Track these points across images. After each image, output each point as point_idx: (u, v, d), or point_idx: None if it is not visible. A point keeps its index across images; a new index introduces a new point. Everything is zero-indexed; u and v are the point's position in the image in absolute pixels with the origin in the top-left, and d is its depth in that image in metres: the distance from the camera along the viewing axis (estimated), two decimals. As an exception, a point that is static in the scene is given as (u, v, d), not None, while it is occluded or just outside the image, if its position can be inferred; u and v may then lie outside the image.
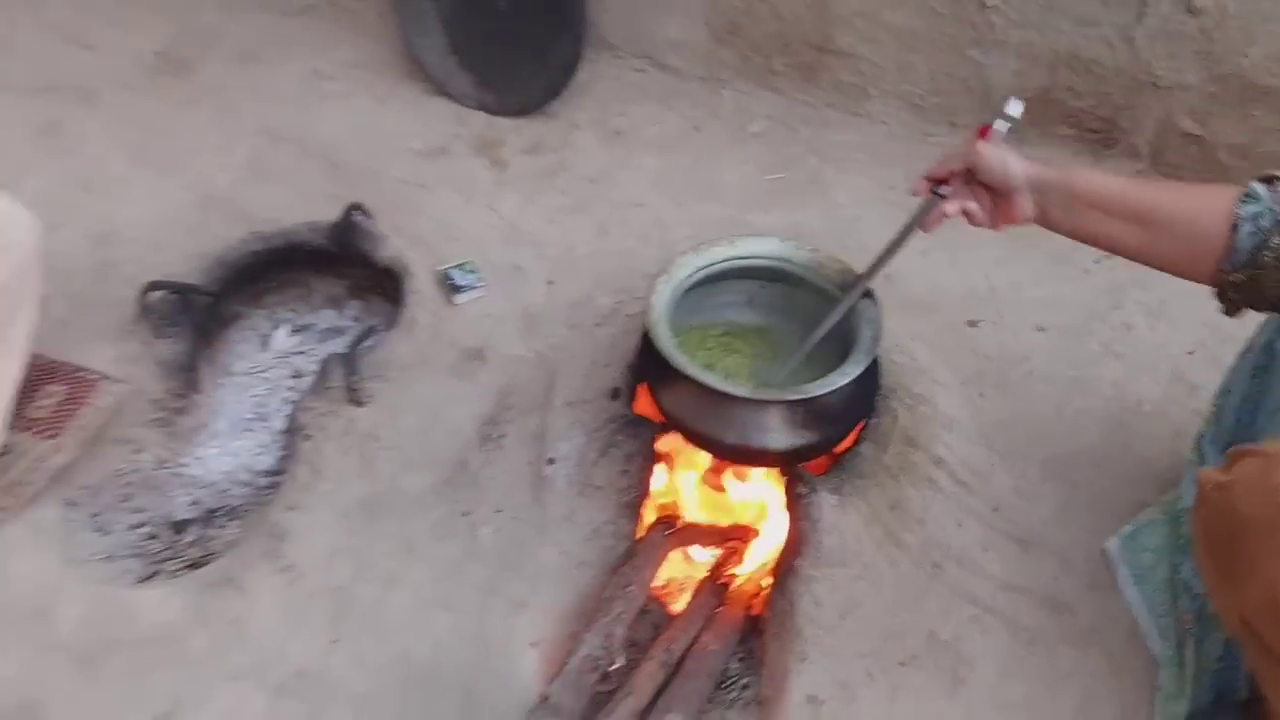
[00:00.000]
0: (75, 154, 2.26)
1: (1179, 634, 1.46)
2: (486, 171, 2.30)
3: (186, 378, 1.86)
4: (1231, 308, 1.28)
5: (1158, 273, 1.31)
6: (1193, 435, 1.56)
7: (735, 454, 1.56)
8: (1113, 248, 1.33)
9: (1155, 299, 1.97)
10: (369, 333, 1.91)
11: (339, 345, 2.00)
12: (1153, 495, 1.64)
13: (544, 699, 1.37)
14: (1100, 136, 2.24)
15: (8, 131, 2.28)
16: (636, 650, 1.51)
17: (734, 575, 1.63)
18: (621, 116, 2.45)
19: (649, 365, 1.58)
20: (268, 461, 1.82)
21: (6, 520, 1.58)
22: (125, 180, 2.20)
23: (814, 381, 1.45)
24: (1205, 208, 1.25)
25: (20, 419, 1.66)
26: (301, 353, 2.02)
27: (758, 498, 1.68)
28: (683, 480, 1.68)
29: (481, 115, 2.44)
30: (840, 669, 1.48)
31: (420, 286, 1.97)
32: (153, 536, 1.67)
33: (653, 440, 1.62)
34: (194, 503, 1.73)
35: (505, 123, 2.43)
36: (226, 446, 1.84)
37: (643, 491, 1.61)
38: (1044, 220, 1.34)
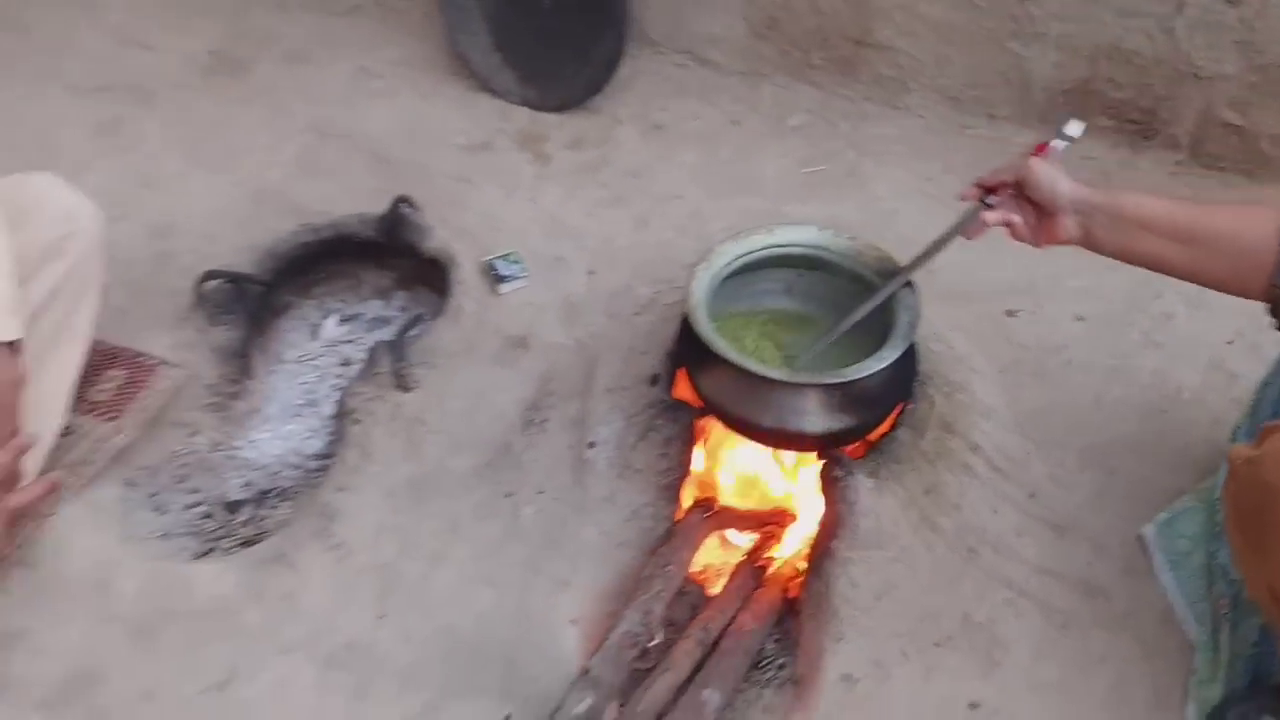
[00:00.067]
0: (134, 150, 2.33)
1: (1214, 619, 1.47)
2: (529, 166, 2.35)
3: (240, 364, 1.92)
4: None
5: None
6: (1231, 424, 1.57)
7: (772, 438, 1.58)
8: (1159, 267, 1.34)
9: (1195, 289, 1.93)
10: (416, 321, 1.95)
11: (386, 334, 2.04)
12: (1190, 483, 1.64)
13: (584, 672, 1.41)
14: (1140, 128, 2.23)
15: (70, 129, 2.36)
16: (674, 629, 1.54)
17: (771, 558, 1.66)
18: (662, 111, 2.49)
19: (687, 351, 1.61)
20: (317, 445, 1.87)
21: (68, 498, 1.62)
22: (182, 175, 2.27)
23: (851, 366, 1.47)
24: (1253, 224, 1.26)
25: (82, 402, 1.70)
26: (350, 341, 2.07)
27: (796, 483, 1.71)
28: (721, 464, 1.71)
29: (525, 111, 2.49)
30: (875, 649, 1.50)
31: (465, 277, 2.01)
32: (208, 516, 1.73)
33: (691, 424, 1.64)
34: (247, 484, 1.79)
35: (548, 118, 2.47)
36: (278, 431, 1.89)
37: (681, 474, 1.64)
38: (1089, 242, 1.36)
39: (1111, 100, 2.23)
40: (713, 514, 1.67)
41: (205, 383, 1.86)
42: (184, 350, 1.86)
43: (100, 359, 1.76)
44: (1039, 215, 1.38)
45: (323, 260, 2.11)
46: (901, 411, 1.66)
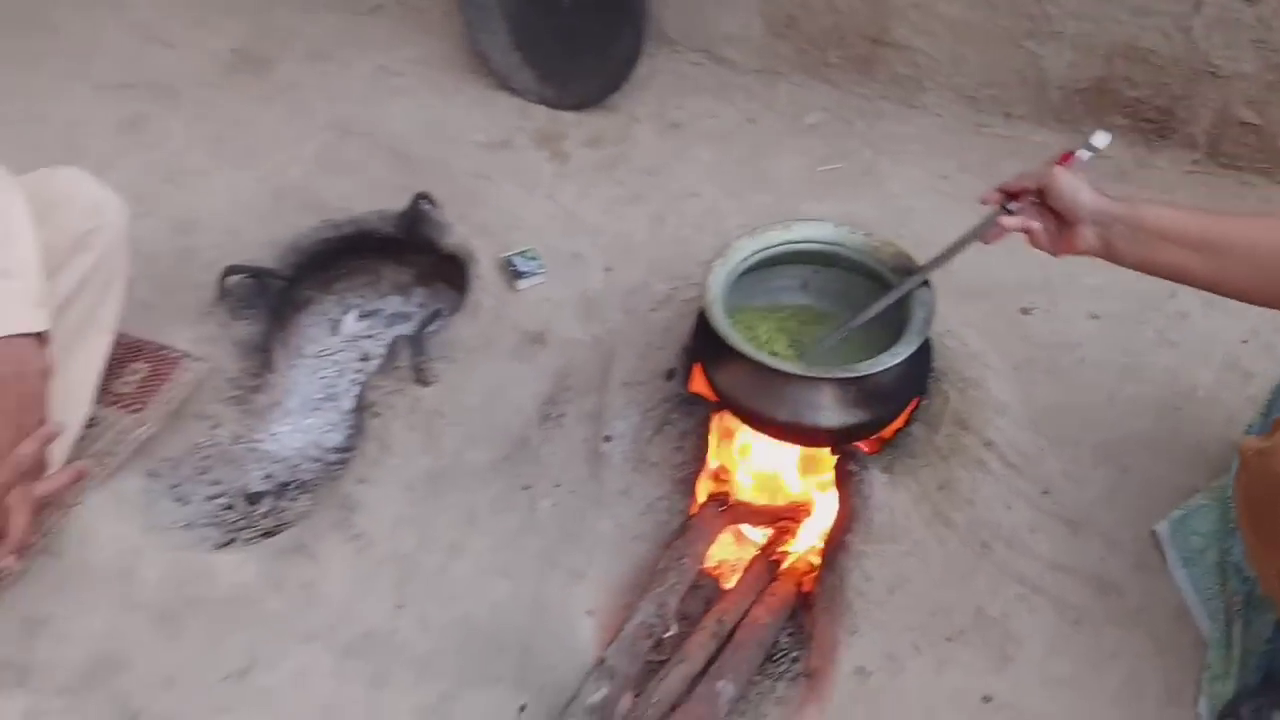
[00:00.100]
0: (158, 147, 2.36)
1: (1227, 615, 1.47)
2: (548, 163, 2.37)
3: (261, 358, 1.94)
4: None
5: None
6: (1245, 423, 1.57)
7: (787, 432, 1.59)
8: (1181, 278, 1.34)
9: (1210, 288, 1.96)
10: (435, 316, 1.97)
11: (405, 330, 2.07)
12: (1204, 481, 1.64)
13: (600, 662, 1.42)
14: (1156, 126, 2.24)
15: (95, 126, 2.40)
16: (688, 623, 1.55)
17: (785, 553, 1.67)
18: (679, 109, 2.50)
19: (703, 346, 1.63)
20: (336, 439, 1.89)
21: (93, 488, 1.64)
22: (205, 171, 2.30)
23: (866, 360, 1.49)
24: (1274, 233, 1.26)
25: (107, 394, 1.72)
26: (369, 337, 2.10)
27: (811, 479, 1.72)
28: (734, 459, 1.73)
29: (543, 109, 2.51)
30: (888, 642, 1.51)
31: (484, 272, 2.03)
32: (229, 507, 1.75)
33: (707, 418, 1.66)
34: (267, 476, 1.81)
35: (566, 116, 2.49)
36: (298, 424, 1.92)
37: (697, 468, 1.66)
38: (1110, 253, 1.36)
39: (1128, 99, 2.23)
40: (727, 508, 1.68)
41: (227, 376, 1.88)
42: (206, 344, 1.89)
43: (124, 352, 1.78)
44: (1059, 224, 1.38)
45: (343, 256, 2.14)
46: (916, 407, 1.67)
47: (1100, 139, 1.36)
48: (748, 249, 1.65)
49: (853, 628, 1.52)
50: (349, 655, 1.52)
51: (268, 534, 1.71)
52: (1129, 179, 2.23)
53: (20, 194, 1.44)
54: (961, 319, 1.89)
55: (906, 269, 1.59)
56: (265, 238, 2.09)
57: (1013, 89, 2.33)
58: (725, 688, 1.43)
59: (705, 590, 1.62)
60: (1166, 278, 1.36)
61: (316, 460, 1.86)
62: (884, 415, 1.59)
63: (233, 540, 1.70)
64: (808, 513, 1.70)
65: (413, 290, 2.18)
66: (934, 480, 1.62)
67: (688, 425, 1.67)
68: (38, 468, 1.37)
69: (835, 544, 1.58)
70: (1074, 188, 1.34)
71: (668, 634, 1.52)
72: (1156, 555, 1.59)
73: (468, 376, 1.86)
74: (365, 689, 1.48)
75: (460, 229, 2.11)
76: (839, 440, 1.60)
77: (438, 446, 1.77)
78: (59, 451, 1.52)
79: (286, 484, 1.81)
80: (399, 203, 2.11)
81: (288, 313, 2.06)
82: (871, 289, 1.63)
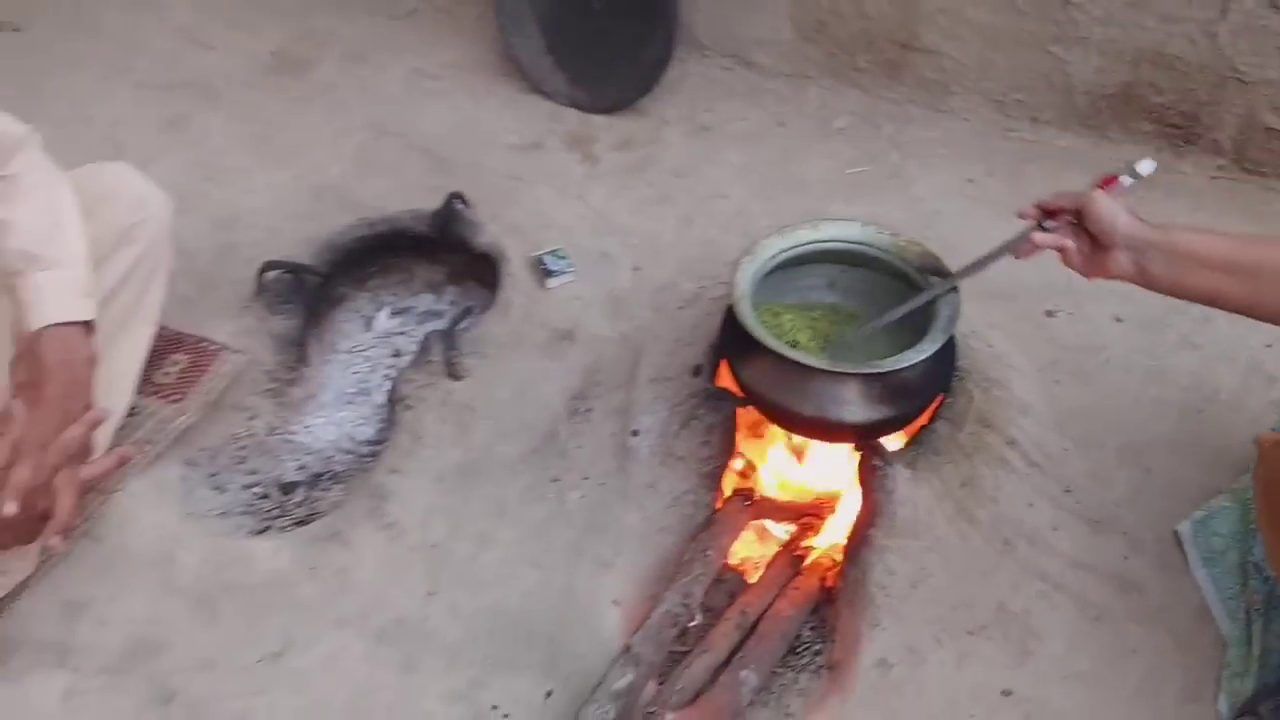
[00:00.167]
0: (199, 146, 2.42)
1: (1248, 614, 1.48)
2: (578, 165, 2.41)
3: (297, 352, 1.98)
4: None
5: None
6: (1268, 426, 1.58)
7: (812, 427, 1.61)
8: (1216, 302, 1.33)
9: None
10: (466, 313, 2.01)
11: (437, 327, 2.10)
12: (1226, 482, 1.65)
13: (626, 649, 1.45)
14: (1182, 132, 2.25)
15: (138, 124, 2.46)
16: (713, 615, 1.58)
17: (810, 547, 1.70)
18: (709, 113, 2.53)
19: (730, 342, 1.65)
20: (368, 432, 1.93)
21: (133, 475, 1.69)
22: (245, 170, 2.35)
23: (891, 357, 1.51)
24: None
25: (148, 384, 1.77)
26: (401, 333, 2.14)
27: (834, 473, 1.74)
28: (761, 455, 1.75)
29: (574, 112, 2.55)
30: (910, 635, 1.53)
31: (515, 271, 2.07)
32: (264, 496, 1.79)
33: (733, 414, 1.68)
34: (301, 467, 1.86)
35: (597, 119, 2.53)
36: (331, 417, 1.96)
37: (723, 462, 1.68)
38: (1145, 279, 1.35)
39: (1153, 105, 2.24)
40: (753, 503, 1.70)
41: (264, 369, 1.93)
42: (244, 337, 1.93)
43: (165, 344, 1.83)
44: (1093, 246, 1.37)
45: (378, 254, 2.18)
46: (940, 405, 1.68)
47: (1145, 166, 1.36)
48: (776, 247, 1.68)
49: (875, 621, 1.54)
50: (381, 641, 1.55)
51: (301, 523, 1.75)
52: (1154, 184, 2.20)
53: (69, 188, 1.49)
54: (987, 321, 1.91)
55: (933, 269, 1.61)
56: (302, 235, 2.14)
57: (1039, 94, 2.34)
58: (748, 677, 1.46)
59: (729, 584, 1.64)
60: (1202, 302, 1.35)
61: (349, 452, 1.90)
62: (908, 411, 1.61)
63: (268, 528, 1.74)
64: (831, 508, 1.73)
65: (445, 288, 2.22)
66: (957, 477, 1.64)
67: (714, 420, 1.69)
68: (84, 452, 1.41)
69: (859, 538, 1.60)
70: (1113, 212, 1.33)
71: (692, 624, 1.54)
72: (1178, 555, 1.60)
73: (498, 372, 1.90)
74: (396, 674, 1.51)
75: (492, 228, 2.14)
76: (864, 436, 1.62)
77: (468, 439, 1.80)
78: (102, 438, 1.56)
79: (320, 475, 1.85)
80: (433, 202, 2.16)
81: (323, 308, 2.11)
82: (898, 289, 1.65)
